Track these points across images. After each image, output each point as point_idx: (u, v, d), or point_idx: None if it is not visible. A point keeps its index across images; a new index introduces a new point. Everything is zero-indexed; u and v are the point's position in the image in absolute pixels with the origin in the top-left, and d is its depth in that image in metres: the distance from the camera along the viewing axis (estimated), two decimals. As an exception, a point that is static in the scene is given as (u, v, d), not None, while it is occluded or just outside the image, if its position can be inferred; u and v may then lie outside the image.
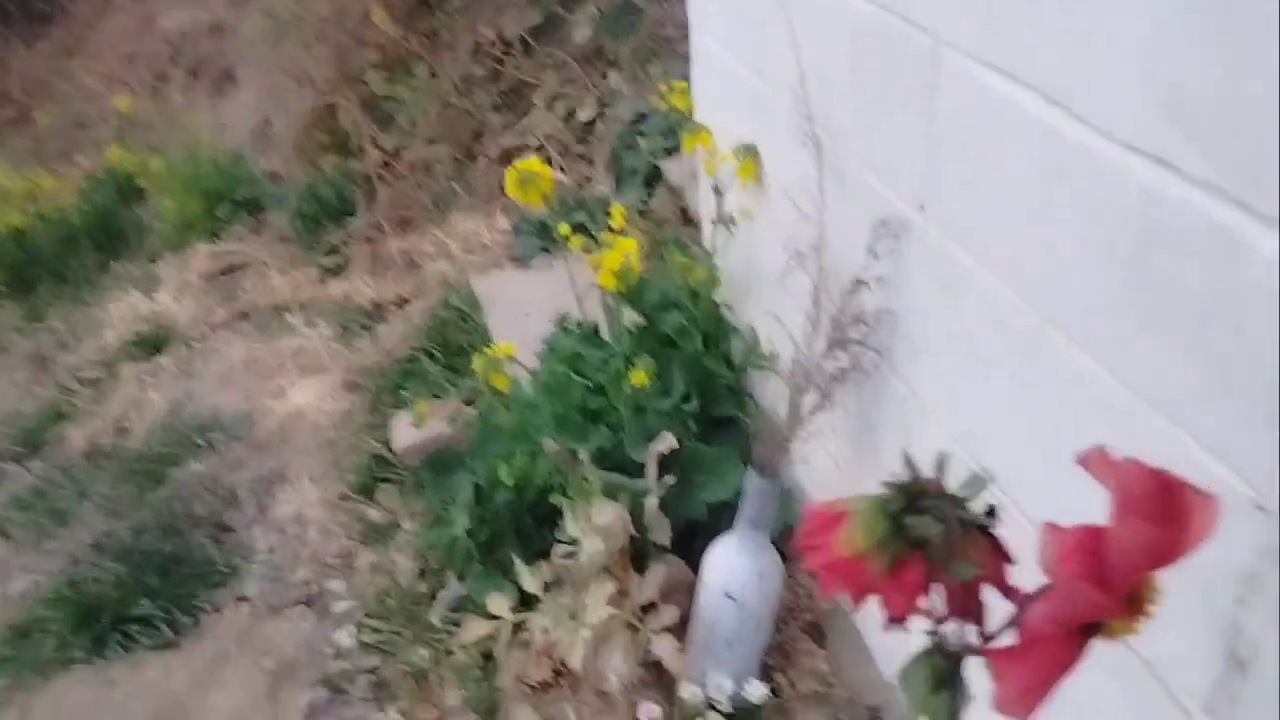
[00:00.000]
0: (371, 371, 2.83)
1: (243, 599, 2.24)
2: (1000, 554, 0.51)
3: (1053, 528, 0.46)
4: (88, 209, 4.13)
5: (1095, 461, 0.46)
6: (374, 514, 2.36)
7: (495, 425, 2.00)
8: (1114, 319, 0.87)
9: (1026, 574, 0.50)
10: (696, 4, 1.93)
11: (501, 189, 3.20)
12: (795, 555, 1.79)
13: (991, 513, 0.52)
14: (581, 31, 3.48)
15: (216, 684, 2.05)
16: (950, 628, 0.53)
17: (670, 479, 1.67)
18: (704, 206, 2.07)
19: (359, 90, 3.76)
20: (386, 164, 3.60)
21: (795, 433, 1.50)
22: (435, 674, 1.90)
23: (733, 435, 1.84)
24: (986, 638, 0.51)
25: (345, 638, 2.08)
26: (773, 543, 1.62)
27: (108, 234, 4.03)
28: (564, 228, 1.93)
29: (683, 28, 2.11)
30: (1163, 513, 0.43)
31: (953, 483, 0.51)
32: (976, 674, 0.52)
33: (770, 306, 1.73)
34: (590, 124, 3.35)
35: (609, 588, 1.59)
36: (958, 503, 0.50)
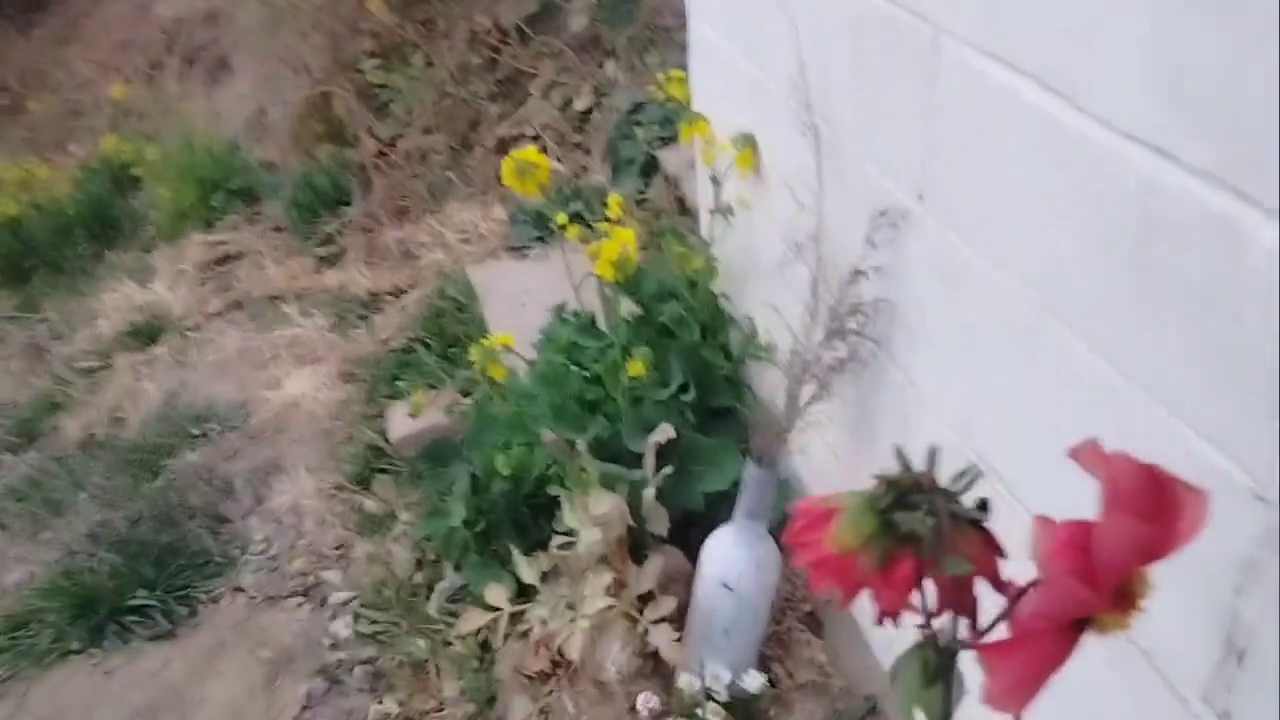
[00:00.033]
0: (367, 362, 2.83)
1: (239, 590, 2.24)
2: (992, 548, 0.51)
3: (1044, 521, 0.46)
4: (82, 198, 4.11)
5: (1086, 454, 0.46)
6: (370, 504, 2.36)
7: (492, 415, 2.00)
8: (1113, 309, 0.87)
9: (1025, 567, 0.50)
10: (694, -8, 1.92)
11: (498, 178, 3.19)
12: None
13: (983, 506, 0.51)
14: (578, 20, 3.47)
15: (213, 674, 2.05)
16: (942, 622, 0.52)
17: (668, 470, 1.67)
18: (702, 196, 2.06)
19: (354, 79, 3.74)
20: (382, 153, 3.59)
21: (793, 423, 1.50)
22: (433, 664, 1.90)
23: (730, 426, 1.84)
24: (978, 632, 0.51)
25: (342, 628, 2.08)
26: (770, 533, 1.62)
27: (102, 223, 4.01)
28: (561, 217, 1.92)
29: (680, 16, 2.11)
30: (1152, 508, 0.43)
31: (945, 476, 0.51)
32: (969, 668, 0.52)
33: (768, 297, 1.72)
34: (587, 113, 3.34)
35: (607, 578, 1.59)
36: (949, 496, 0.50)
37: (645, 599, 1.65)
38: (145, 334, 3.24)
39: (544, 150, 3.02)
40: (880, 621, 0.52)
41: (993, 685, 0.46)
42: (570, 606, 1.61)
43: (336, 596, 2.16)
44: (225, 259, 3.53)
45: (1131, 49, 0.78)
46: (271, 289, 3.28)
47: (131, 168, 4.12)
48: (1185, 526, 0.43)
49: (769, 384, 1.81)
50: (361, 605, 2.12)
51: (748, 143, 1.68)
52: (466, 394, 2.33)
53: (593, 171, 3.17)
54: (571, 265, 1.96)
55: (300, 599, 2.19)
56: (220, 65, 4.62)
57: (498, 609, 1.74)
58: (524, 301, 2.64)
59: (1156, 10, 0.75)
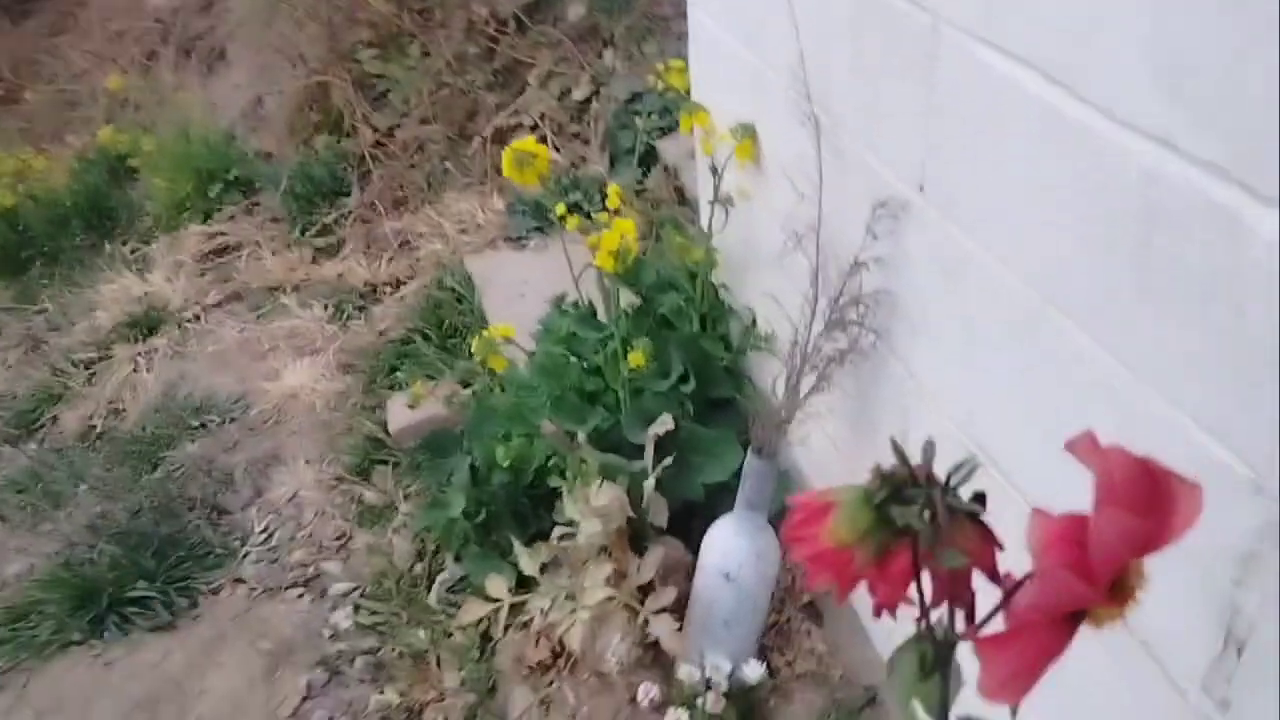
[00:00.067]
0: (366, 353, 2.83)
1: (239, 581, 2.25)
2: (989, 540, 0.51)
3: (1040, 514, 0.46)
4: (79, 189, 4.09)
5: (1082, 447, 0.46)
6: (370, 496, 2.36)
7: (491, 407, 2.00)
8: (1114, 300, 0.87)
9: (1024, 559, 0.50)
10: (692, -18, 1.92)
11: (496, 168, 3.20)
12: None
13: (980, 499, 0.51)
14: (575, 9, 3.46)
15: (213, 666, 2.05)
16: (939, 614, 0.53)
17: (668, 461, 1.67)
18: (701, 186, 2.06)
19: (351, 69, 3.72)
20: (380, 143, 3.58)
21: (793, 414, 1.50)
22: (433, 655, 1.91)
23: (730, 417, 1.84)
24: (975, 625, 0.51)
25: (342, 619, 2.09)
26: (770, 524, 1.62)
27: (99, 214, 3.99)
28: (560, 208, 1.92)
29: (678, 5, 2.10)
30: (1147, 501, 0.43)
31: (942, 468, 0.51)
32: (967, 660, 0.52)
33: (768, 287, 1.72)
34: (585, 103, 3.33)
35: (607, 569, 1.60)
36: (946, 490, 0.50)
37: (645, 590, 1.65)
38: (144, 325, 3.23)
39: (542, 140, 3.01)
40: (878, 614, 0.52)
41: (988, 677, 0.46)
42: (571, 597, 1.62)
43: (337, 588, 2.17)
44: (223, 250, 3.52)
45: (1133, 39, 0.78)
46: (270, 280, 3.27)
47: (128, 158, 4.09)
48: (1180, 520, 0.43)
49: (768, 375, 1.81)
50: (362, 596, 2.13)
51: (747, 133, 1.67)
52: (465, 385, 2.33)
53: (591, 161, 3.16)
54: (570, 255, 1.96)
55: (300, 590, 2.19)
56: (216, 55, 4.60)
57: (498, 600, 1.74)
58: (523, 292, 2.63)
59: (1158, 1, 0.75)
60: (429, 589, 2.04)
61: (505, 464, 1.81)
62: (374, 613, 2.07)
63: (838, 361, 1.40)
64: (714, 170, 1.80)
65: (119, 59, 4.87)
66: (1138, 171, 0.80)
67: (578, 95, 3.35)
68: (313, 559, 2.26)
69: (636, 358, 1.74)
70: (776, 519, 1.65)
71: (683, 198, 2.70)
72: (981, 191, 1.06)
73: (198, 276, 3.41)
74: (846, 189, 1.37)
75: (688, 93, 1.99)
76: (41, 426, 2.95)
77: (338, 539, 2.30)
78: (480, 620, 1.77)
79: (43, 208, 4.07)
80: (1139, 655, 0.92)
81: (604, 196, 2.00)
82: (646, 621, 1.63)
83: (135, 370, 3.04)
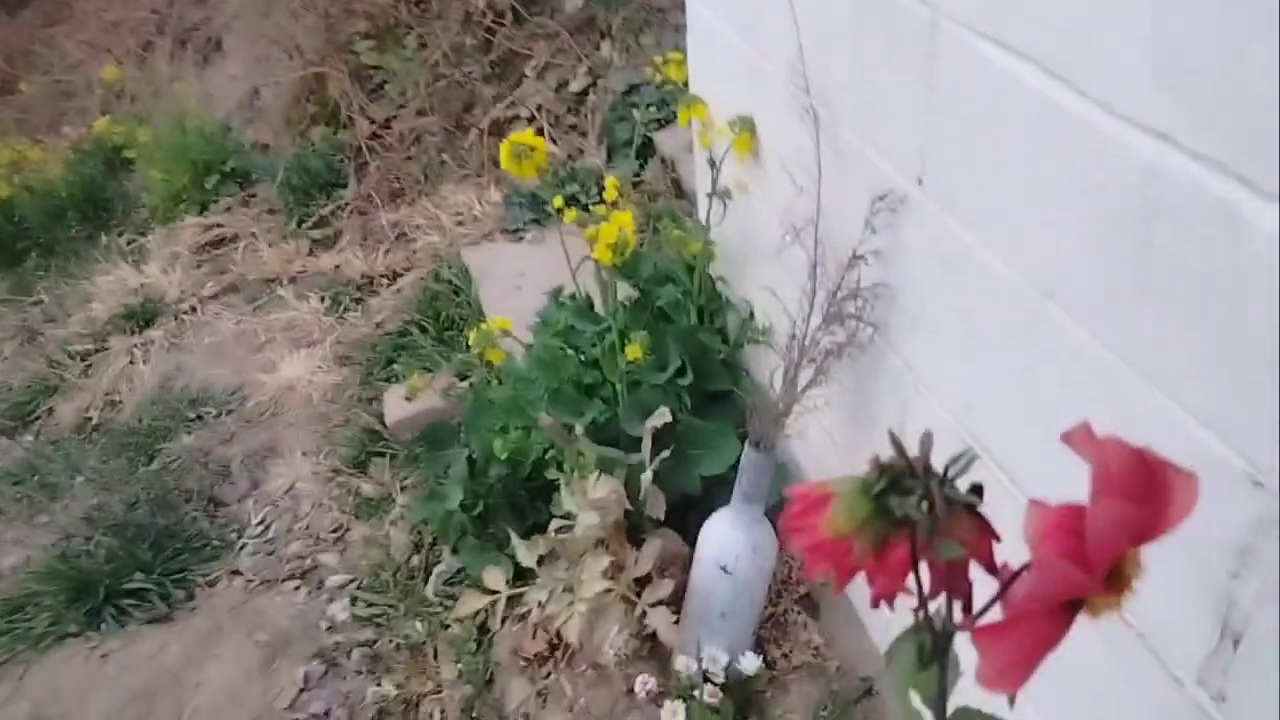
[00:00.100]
0: (363, 345, 2.83)
1: (236, 573, 2.25)
2: (986, 532, 0.52)
3: (1037, 505, 0.46)
4: (75, 180, 4.07)
5: (1079, 438, 0.46)
6: (367, 488, 2.36)
7: (489, 399, 2.00)
8: (1113, 295, 0.87)
9: (1021, 551, 0.50)
10: (691, -26, 1.91)
11: (493, 160, 3.20)
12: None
13: (977, 491, 0.52)
14: (573, 1, 3.45)
15: (210, 658, 2.06)
16: (937, 605, 0.53)
17: (665, 453, 1.68)
18: (699, 179, 2.05)
19: (348, 60, 3.72)
20: (376, 135, 3.57)
21: (790, 407, 1.50)
22: (430, 647, 1.91)
23: (727, 410, 1.84)
24: (973, 615, 0.52)
25: (339, 611, 2.09)
26: (767, 517, 1.62)
27: (95, 206, 3.98)
28: (557, 201, 1.92)
29: (676, -2, 2.10)
30: (1142, 491, 0.43)
31: (939, 462, 0.51)
32: (966, 649, 0.52)
33: (766, 281, 1.72)
34: (582, 95, 3.33)
35: (604, 561, 1.60)
36: (944, 481, 0.50)
37: (643, 582, 1.66)
38: (140, 317, 3.23)
39: (539, 132, 3.01)
40: (876, 605, 0.52)
41: (986, 666, 0.46)
42: (568, 589, 1.62)
43: (333, 580, 2.17)
44: (219, 242, 3.51)
45: (1133, 34, 0.78)
46: (266, 272, 3.27)
47: (124, 150, 4.08)
48: (1176, 509, 0.43)
49: (766, 368, 1.81)
50: (359, 588, 2.13)
51: (746, 126, 1.67)
52: (463, 377, 2.33)
53: (588, 153, 3.16)
54: (568, 248, 1.96)
55: (297, 582, 2.19)
56: (212, 46, 4.59)
57: (496, 592, 1.74)
58: (520, 284, 2.63)
59: (1159, -5, 0.75)
60: (426, 581, 2.04)
61: (503, 456, 1.81)
62: (371, 605, 2.07)
63: (836, 355, 1.40)
64: (712, 163, 1.80)
65: (114, 49, 4.85)
66: (1137, 166, 0.80)
67: (575, 87, 3.34)
68: (309, 551, 2.26)
69: (634, 350, 1.74)
70: (773, 512, 1.65)
71: (680, 190, 2.70)
72: (981, 185, 1.06)
73: (194, 268, 3.41)
74: (845, 182, 1.37)
75: (686, 85, 1.99)
76: (37, 418, 2.95)
77: (334, 531, 2.30)
78: (478, 612, 1.77)
79: (38, 199, 4.06)
80: (1136, 647, 0.92)
81: (601, 189, 1.99)
82: (644, 613, 1.63)
83: (131, 362, 3.04)
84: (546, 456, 1.81)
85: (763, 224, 1.71)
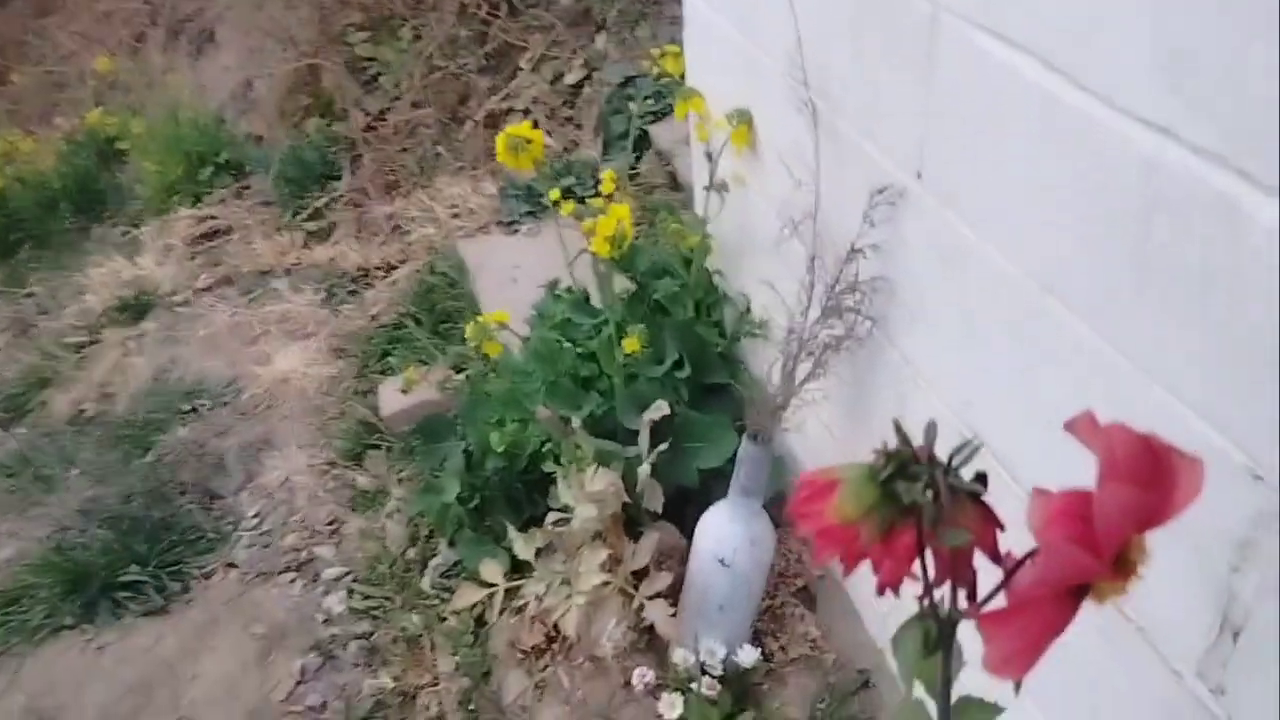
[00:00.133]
0: (358, 337, 2.82)
1: (232, 565, 2.24)
2: (991, 520, 0.52)
3: (1040, 492, 0.47)
4: (67, 171, 4.05)
5: (1082, 426, 0.46)
6: (362, 480, 2.36)
7: (485, 392, 2.00)
8: (1114, 288, 0.87)
9: (1019, 543, 0.51)
10: (688, -34, 1.91)
11: (488, 152, 3.19)
12: (787, 521, 1.81)
13: (981, 479, 0.52)
14: (568, -7, 3.44)
15: (207, 650, 2.05)
16: (941, 593, 0.53)
17: (663, 446, 1.68)
18: (696, 172, 2.05)
19: (342, 52, 3.70)
20: (371, 127, 3.56)
21: (789, 400, 1.50)
22: (427, 639, 1.91)
23: (724, 403, 1.84)
24: (977, 603, 0.52)
25: (336, 604, 2.09)
26: (765, 509, 1.63)
27: (88, 197, 3.96)
28: (554, 193, 1.91)
29: (673, -10, 2.09)
30: (1148, 476, 0.44)
31: (943, 450, 0.51)
32: (969, 638, 0.53)
33: (764, 274, 1.72)
34: (577, 87, 3.32)
35: (602, 554, 1.60)
36: (948, 470, 0.50)
37: (640, 575, 1.66)
38: (134, 309, 3.21)
39: (535, 125, 3.00)
40: (881, 592, 0.52)
41: (992, 653, 0.47)
42: (566, 582, 1.62)
43: (329, 572, 2.17)
44: (213, 234, 3.50)
45: (1134, 27, 0.78)
46: (260, 264, 3.26)
47: (117, 141, 4.06)
48: (1181, 494, 0.44)
49: (763, 361, 1.82)
50: (355, 581, 2.13)
51: (743, 119, 1.67)
52: (458, 370, 2.33)
53: (583, 146, 3.15)
54: (564, 240, 1.96)
55: (293, 575, 2.19)
56: (205, 37, 4.56)
57: (493, 585, 1.74)
58: (515, 277, 2.63)
59: (1161, -11, 0.75)
60: (423, 573, 2.04)
61: (500, 449, 1.81)
62: (367, 597, 2.07)
63: (834, 348, 1.40)
64: (709, 156, 1.80)
65: (107, 40, 4.82)
66: (1138, 160, 0.81)
67: (570, 79, 3.34)
68: (305, 543, 2.26)
69: (631, 343, 1.74)
70: (771, 505, 1.65)
71: (676, 183, 2.69)
72: (980, 179, 1.06)
73: (188, 260, 3.39)
74: (844, 175, 1.37)
75: (682, 78, 1.98)
76: (31, 410, 2.94)
77: (330, 524, 2.29)
78: (475, 605, 1.77)
79: (31, 190, 4.04)
80: (1135, 641, 0.92)
81: (597, 181, 1.99)
82: (641, 606, 1.63)
83: (125, 354, 3.03)
84: (543, 449, 1.81)
85: (760, 217, 1.71)
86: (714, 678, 1.56)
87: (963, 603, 0.53)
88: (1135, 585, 0.45)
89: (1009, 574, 0.49)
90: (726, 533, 1.59)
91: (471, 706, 1.76)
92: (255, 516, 2.36)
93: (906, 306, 1.28)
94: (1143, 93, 0.79)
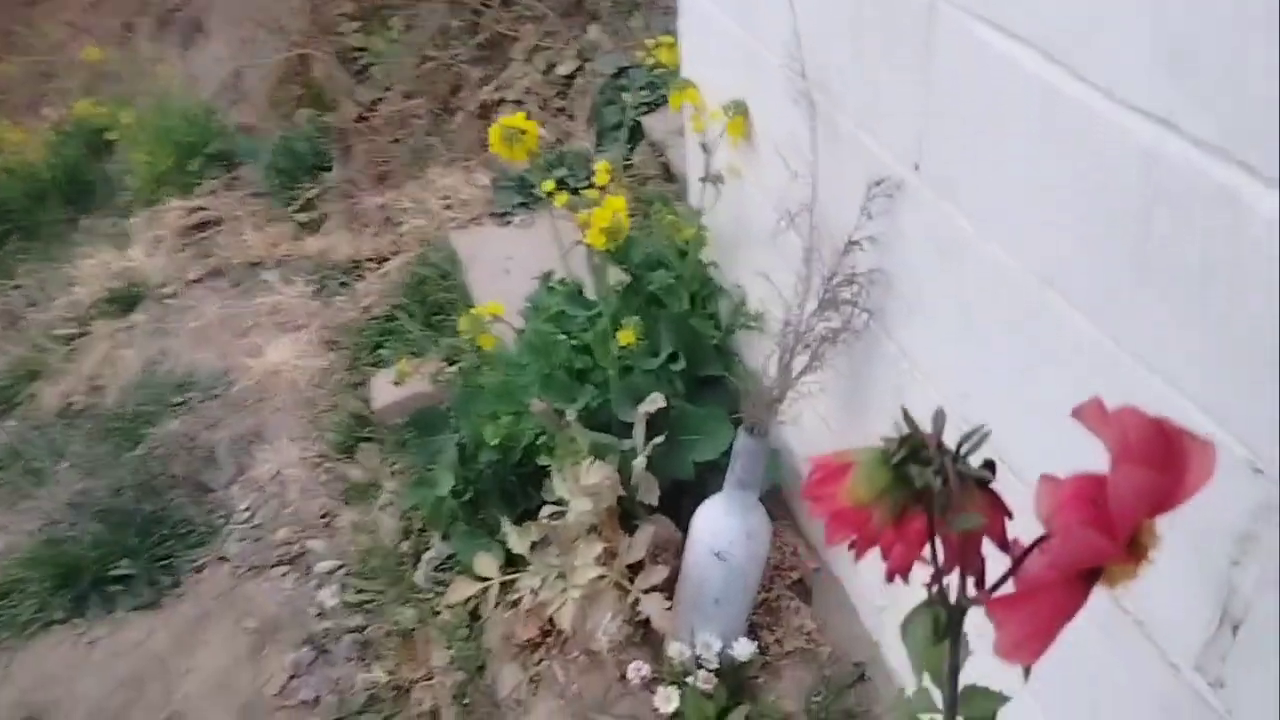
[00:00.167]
0: (349, 329, 2.81)
1: (223, 559, 2.23)
2: (999, 507, 0.52)
3: (1049, 479, 0.47)
4: (56, 162, 4.03)
5: (1090, 413, 0.46)
6: (355, 473, 2.35)
7: (479, 385, 1.99)
8: (1113, 281, 0.87)
9: (1025, 534, 0.50)
10: (683, -44, 1.90)
11: (480, 143, 3.17)
12: (782, 514, 1.80)
13: (990, 466, 0.52)
14: (561, -17, 3.43)
15: (199, 644, 2.05)
16: (949, 580, 0.53)
17: (658, 439, 1.67)
18: (691, 164, 2.04)
19: (333, 42, 3.68)
20: (362, 118, 3.54)
21: (785, 393, 1.50)
22: (421, 633, 1.91)
23: (719, 395, 1.84)
24: (986, 589, 0.52)
25: (328, 597, 2.08)
26: (761, 502, 1.62)
27: (77, 188, 3.94)
28: (548, 184, 1.90)
29: (667, -20, 2.08)
30: (1161, 459, 0.44)
31: (951, 438, 0.51)
32: (976, 627, 0.52)
33: (759, 266, 1.71)
34: (570, 78, 3.31)
35: (597, 548, 1.59)
36: (957, 457, 0.50)
37: (636, 568, 1.65)
38: (123, 301, 3.20)
39: (527, 116, 2.98)
40: (891, 578, 0.52)
41: (1004, 638, 0.47)
42: (561, 576, 1.61)
43: (322, 565, 2.16)
44: (204, 225, 3.48)
45: (1134, 18, 0.77)
46: (251, 255, 3.24)
47: (106, 131, 4.04)
48: (1193, 477, 0.44)
49: (759, 353, 1.81)
50: (348, 574, 2.12)
51: (739, 110, 1.66)
52: (451, 362, 2.32)
53: (576, 137, 3.14)
54: (559, 232, 1.95)
55: (285, 568, 2.18)
56: (194, 27, 4.53)
57: (488, 579, 1.74)
58: (508, 268, 2.62)
59: (1162, -20, 0.75)
60: (416, 567, 2.03)
61: (494, 442, 1.80)
62: (360, 591, 2.07)
63: (831, 341, 1.40)
64: (704, 147, 1.79)
65: (95, 30, 4.79)
66: (1138, 152, 0.80)
67: (563, 70, 3.32)
68: (297, 537, 2.25)
69: (626, 336, 1.73)
70: (767, 497, 1.65)
71: (669, 174, 2.68)
72: (978, 171, 1.05)
73: (178, 252, 3.37)
74: (841, 167, 1.36)
75: (676, 69, 1.97)
76: (20, 403, 2.92)
77: (323, 517, 2.29)
78: (469, 599, 1.77)
79: (19, 181, 4.01)
80: (1134, 634, 0.92)
81: (590, 172, 1.98)
82: (637, 600, 1.63)
83: (115, 346, 3.01)
84: (538, 442, 1.80)
85: (756, 209, 1.71)
86: (710, 671, 1.56)
87: (971, 590, 0.53)
88: (1145, 569, 0.45)
89: (1018, 560, 0.49)
90: (722, 526, 1.59)
91: (466, 701, 1.75)
92: (247, 510, 2.35)
93: (904, 299, 1.28)
94: (1143, 84, 0.78)
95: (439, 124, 3.43)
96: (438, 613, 1.90)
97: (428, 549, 2.04)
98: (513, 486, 1.87)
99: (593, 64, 3.22)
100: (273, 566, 2.19)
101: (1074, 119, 0.87)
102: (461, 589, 1.75)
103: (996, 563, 0.52)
